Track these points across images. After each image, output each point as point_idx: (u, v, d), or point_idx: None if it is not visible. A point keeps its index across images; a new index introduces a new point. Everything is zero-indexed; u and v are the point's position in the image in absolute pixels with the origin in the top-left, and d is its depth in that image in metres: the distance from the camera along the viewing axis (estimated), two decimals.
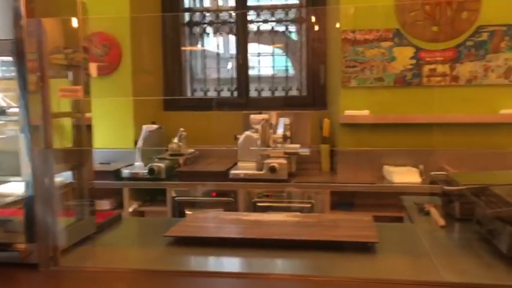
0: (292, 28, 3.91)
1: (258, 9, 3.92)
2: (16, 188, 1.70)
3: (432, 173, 2.08)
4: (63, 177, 1.72)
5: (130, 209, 3.22)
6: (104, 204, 3.21)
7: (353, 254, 1.53)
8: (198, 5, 4.06)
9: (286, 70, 3.95)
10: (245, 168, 3.15)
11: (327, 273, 1.41)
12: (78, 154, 1.68)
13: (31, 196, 1.43)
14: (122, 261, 1.57)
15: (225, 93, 3.99)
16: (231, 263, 1.57)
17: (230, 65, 3.96)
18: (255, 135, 3.19)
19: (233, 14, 3.95)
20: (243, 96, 3.92)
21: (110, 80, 3.56)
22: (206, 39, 4.03)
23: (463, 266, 1.42)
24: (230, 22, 3.96)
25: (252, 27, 3.90)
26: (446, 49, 3.13)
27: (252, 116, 3.28)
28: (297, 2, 3.93)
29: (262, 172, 3.07)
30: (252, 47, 3.93)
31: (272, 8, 3.91)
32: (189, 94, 4.02)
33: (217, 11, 4.00)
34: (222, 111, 3.73)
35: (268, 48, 3.98)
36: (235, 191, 3.10)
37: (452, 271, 1.39)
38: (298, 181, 3.11)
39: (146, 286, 1.41)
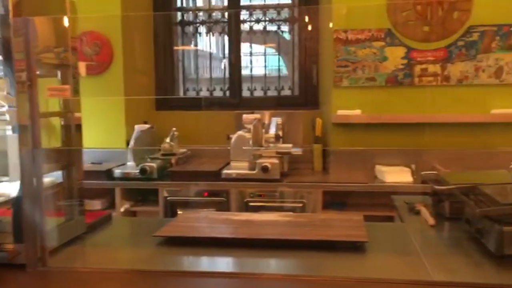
0: (285, 27, 3.91)
1: (250, 8, 3.92)
2: (5, 188, 1.69)
3: (423, 172, 2.09)
4: (54, 177, 1.71)
5: (122, 209, 3.20)
6: (96, 204, 3.20)
7: (343, 254, 1.53)
8: (190, 4, 4.05)
9: (279, 69, 3.95)
10: (238, 168, 3.14)
11: (317, 273, 1.41)
12: (67, 154, 1.67)
13: (19, 196, 1.41)
14: (112, 261, 1.56)
15: (218, 93, 3.98)
16: (221, 263, 1.56)
17: (224, 64, 3.95)
18: (248, 135, 3.19)
19: (226, 13, 3.94)
20: (235, 95, 3.92)
21: (101, 79, 3.55)
22: (198, 38, 4.02)
23: (453, 265, 1.43)
24: (222, 22, 3.95)
25: (245, 26, 3.90)
26: (437, 49, 3.14)
27: (244, 115, 3.27)
28: (290, 1, 3.93)
29: (254, 171, 3.07)
30: (245, 47, 3.93)
31: (265, 8, 3.90)
32: (181, 93, 4.01)
33: (209, 10, 4.00)
34: (215, 111, 3.73)
35: (260, 48, 3.97)
36: (227, 191, 3.10)
37: (442, 270, 1.39)
38: (291, 180, 3.11)
39: (136, 287, 1.40)
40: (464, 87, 3.14)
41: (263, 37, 3.91)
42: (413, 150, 3.13)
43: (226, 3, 3.95)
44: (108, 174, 3.23)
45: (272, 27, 3.89)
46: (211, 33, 3.99)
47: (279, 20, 3.88)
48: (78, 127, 1.69)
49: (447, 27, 3.12)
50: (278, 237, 1.64)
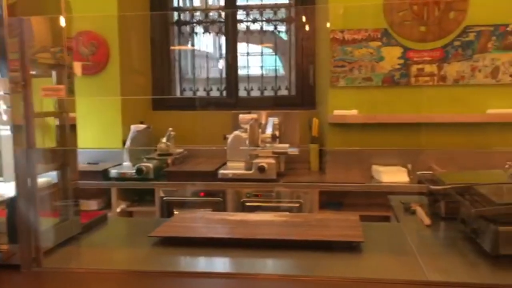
0: (281, 27, 3.91)
1: (247, 8, 3.91)
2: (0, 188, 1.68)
3: (419, 172, 2.09)
4: (50, 177, 1.70)
5: (118, 210, 3.20)
6: (92, 205, 3.19)
7: (339, 254, 1.53)
8: (187, 4, 4.04)
9: (275, 69, 3.95)
10: (234, 168, 3.14)
11: (313, 273, 1.41)
12: (62, 154, 1.66)
13: (13, 196, 1.41)
14: (107, 261, 1.55)
15: (214, 93, 3.97)
16: (217, 264, 1.56)
17: (222, 64, 3.94)
18: (244, 135, 3.19)
19: (222, 13, 3.93)
20: (232, 95, 3.91)
21: (98, 79, 3.54)
22: (195, 38, 4.01)
23: (448, 265, 1.43)
24: (219, 22, 3.95)
25: (242, 26, 3.89)
26: (433, 49, 3.14)
27: (241, 115, 3.27)
28: (286, 1, 3.93)
29: (251, 172, 3.07)
30: (242, 47, 3.93)
31: (262, 8, 3.90)
32: (178, 93, 4.01)
33: (206, 10, 3.99)
34: (211, 111, 3.72)
35: (257, 48, 3.97)
36: (224, 191, 3.10)
37: (437, 270, 1.39)
38: (287, 180, 3.11)
39: (131, 287, 1.39)
40: (461, 87, 3.15)
41: (260, 37, 3.91)
42: (410, 150, 3.13)
43: (222, 3, 3.95)
44: (104, 174, 3.23)
45: (269, 27, 3.89)
46: (208, 33, 3.98)
47: (276, 20, 3.88)
48: (73, 127, 1.68)
49: (444, 27, 3.12)
50: (274, 237, 1.64)
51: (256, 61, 3.97)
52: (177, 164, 3.43)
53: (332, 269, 1.43)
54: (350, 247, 1.55)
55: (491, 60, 3.10)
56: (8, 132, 1.41)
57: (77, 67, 1.63)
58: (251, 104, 3.82)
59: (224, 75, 3.93)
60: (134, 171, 3.16)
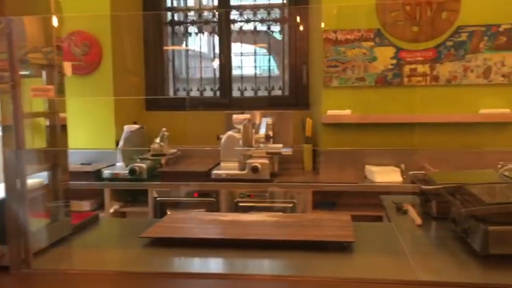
0: (275, 27, 3.91)
1: (240, 8, 3.91)
2: None
3: (411, 172, 2.10)
4: (41, 178, 1.69)
5: (111, 210, 3.18)
6: (85, 205, 3.18)
7: (330, 254, 1.53)
8: (181, 4, 4.03)
9: (269, 69, 3.95)
10: (228, 168, 3.14)
11: (304, 273, 1.41)
12: (52, 155, 1.65)
13: (2, 197, 1.40)
14: (97, 262, 1.55)
15: (208, 93, 3.97)
16: (208, 264, 1.55)
17: (215, 64, 3.94)
18: (238, 135, 3.18)
19: (216, 13, 3.93)
20: (226, 96, 3.91)
21: (90, 79, 3.53)
22: (188, 38, 4.01)
23: (438, 264, 1.43)
24: (212, 22, 3.94)
25: (235, 26, 3.89)
26: (426, 49, 3.15)
27: (234, 116, 3.27)
28: (280, 1, 3.93)
29: (244, 172, 3.06)
30: (235, 47, 3.92)
31: (255, 8, 3.90)
32: (171, 93, 4.00)
33: (199, 10, 3.98)
34: (205, 111, 3.72)
35: (250, 48, 3.97)
36: (217, 191, 3.09)
37: (427, 270, 1.40)
38: (281, 181, 3.11)
39: None
40: (453, 87, 3.16)
41: (254, 37, 3.91)
42: (403, 150, 3.14)
43: (216, 3, 3.94)
44: (97, 174, 3.22)
45: (262, 27, 3.89)
46: (201, 33, 3.97)
47: (269, 20, 3.88)
48: (64, 127, 1.67)
49: (436, 27, 3.13)
50: (265, 238, 1.63)
51: (250, 61, 3.97)
52: (171, 164, 3.42)
53: (323, 269, 1.43)
54: (341, 247, 1.56)
55: (483, 60, 3.12)
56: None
57: (67, 67, 1.62)
58: (244, 104, 3.81)
59: (217, 75, 3.92)
60: (127, 171, 3.15)
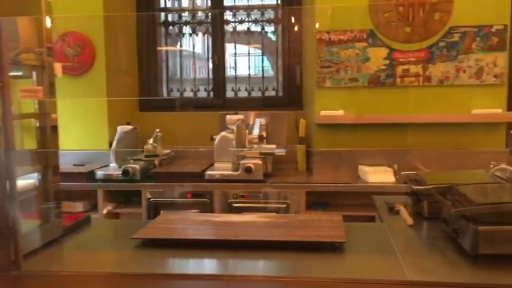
0: (269, 28, 3.91)
1: (234, 9, 3.91)
2: None
3: (403, 172, 2.10)
4: (33, 179, 1.69)
5: (105, 211, 3.17)
6: (78, 206, 3.17)
7: (322, 254, 1.53)
8: (175, 5, 4.03)
9: (263, 70, 3.95)
10: (221, 168, 3.13)
11: (296, 274, 1.41)
12: (43, 156, 1.64)
13: None
14: (88, 264, 1.54)
15: (202, 94, 3.96)
16: (200, 265, 1.55)
17: (209, 64, 3.93)
18: (231, 136, 3.18)
19: (210, 14, 3.93)
20: (219, 96, 3.91)
21: (83, 80, 3.51)
22: (182, 39, 4.00)
23: (429, 265, 1.44)
24: (206, 22, 3.94)
25: (229, 27, 3.89)
26: (419, 49, 3.16)
27: (228, 116, 3.27)
28: (274, 2, 3.93)
29: (237, 172, 3.06)
30: (229, 47, 3.92)
31: (249, 8, 3.90)
32: (165, 94, 3.99)
33: (193, 11, 3.98)
34: (198, 112, 3.72)
35: (244, 48, 3.97)
36: (211, 192, 3.09)
37: (418, 270, 1.40)
38: (274, 181, 3.11)
39: None
40: (445, 87, 3.17)
41: (247, 37, 3.91)
42: (396, 150, 3.15)
43: (210, 4, 3.94)
44: (90, 175, 3.20)
45: (256, 28, 3.89)
46: (195, 34, 3.97)
47: (263, 21, 3.88)
48: (54, 128, 1.66)
49: (429, 28, 3.15)
50: (257, 238, 1.63)
51: (244, 62, 3.97)
52: (164, 165, 3.42)
53: (315, 270, 1.43)
54: (333, 248, 1.56)
55: (475, 60, 3.13)
56: None
57: (58, 68, 1.62)
58: (238, 105, 3.81)
59: (211, 75, 3.92)
60: (121, 172, 3.14)
